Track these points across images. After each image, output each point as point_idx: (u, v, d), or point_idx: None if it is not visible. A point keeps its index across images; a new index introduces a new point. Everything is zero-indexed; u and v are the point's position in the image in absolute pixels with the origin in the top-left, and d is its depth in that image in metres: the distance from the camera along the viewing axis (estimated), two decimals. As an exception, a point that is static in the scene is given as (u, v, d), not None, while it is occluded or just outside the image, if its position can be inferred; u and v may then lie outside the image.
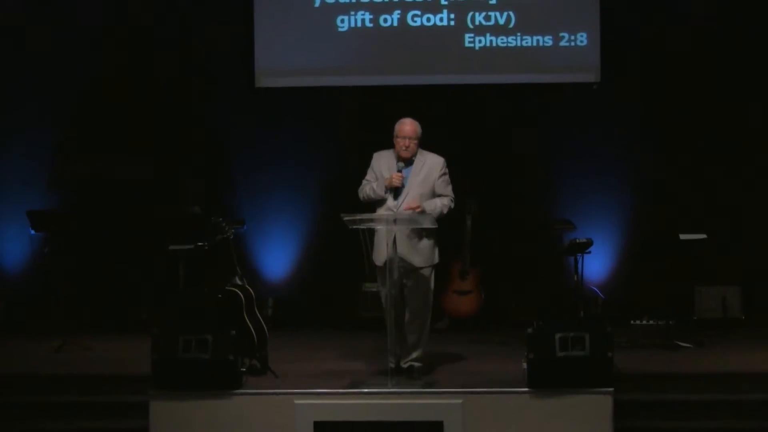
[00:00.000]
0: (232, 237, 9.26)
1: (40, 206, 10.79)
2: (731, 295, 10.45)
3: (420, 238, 8.06)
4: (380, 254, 8.09)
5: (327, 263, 11.06)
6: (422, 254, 8.07)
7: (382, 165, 8.16)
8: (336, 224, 8.16)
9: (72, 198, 11.19)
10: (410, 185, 8.07)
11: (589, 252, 9.67)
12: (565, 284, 10.35)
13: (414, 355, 8.21)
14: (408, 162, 8.10)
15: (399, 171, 8.06)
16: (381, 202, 8.13)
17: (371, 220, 7.87)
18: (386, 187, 8.05)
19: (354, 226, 7.88)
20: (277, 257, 11.24)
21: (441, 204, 8.08)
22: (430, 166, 8.12)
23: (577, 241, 9.60)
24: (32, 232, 10.41)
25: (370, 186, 8.15)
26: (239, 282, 8.97)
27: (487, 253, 10.63)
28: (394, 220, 7.86)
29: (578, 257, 9.60)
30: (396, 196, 8.05)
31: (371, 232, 8.04)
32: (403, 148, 8.07)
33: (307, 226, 11.22)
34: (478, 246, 10.44)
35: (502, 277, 10.84)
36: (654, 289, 10.58)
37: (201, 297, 9.37)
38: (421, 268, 8.09)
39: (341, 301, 10.84)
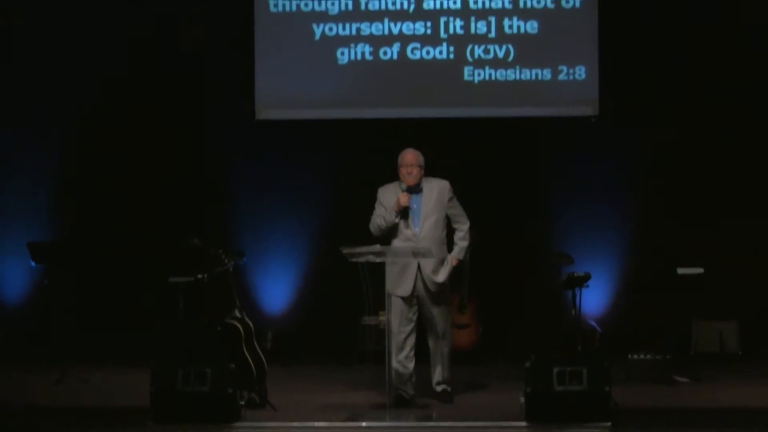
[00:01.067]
0: (231, 269, 9.29)
1: (41, 238, 10.85)
2: (728, 330, 10.50)
3: (439, 263, 8.34)
4: (400, 284, 8.28)
5: (326, 296, 11.07)
6: (442, 278, 8.35)
7: (390, 196, 8.40)
8: (336, 257, 8.21)
9: (72, 230, 11.24)
10: (424, 212, 8.34)
11: (587, 286, 9.69)
12: (564, 318, 10.32)
13: (446, 376, 8.49)
14: (416, 190, 8.33)
15: (404, 191, 8.31)
16: (394, 233, 8.35)
17: (371, 254, 7.94)
18: (395, 211, 8.27)
19: (354, 260, 7.94)
20: (276, 290, 11.27)
21: (465, 244, 8.49)
22: (439, 190, 8.41)
23: (575, 274, 9.60)
24: (32, 263, 10.46)
25: (381, 217, 8.37)
26: (238, 315, 8.99)
27: (485, 286, 10.66)
28: (416, 253, 8.07)
29: (576, 291, 9.62)
30: (407, 223, 8.31)
31: (372, 266, 8.10)
32: (406, 175, 8.33)
33: (307, 258, 11.27)
34: (476, 279, 10.46)
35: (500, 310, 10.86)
36: (652, 323, 10.63)
37: (200, 330, 9.39)
38: (442, 292, 8.36)
39: (340, 335, 10.84)
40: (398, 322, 8.32)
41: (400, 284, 8.30)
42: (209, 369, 7.89)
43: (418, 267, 8.27)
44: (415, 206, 8.33)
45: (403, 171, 8.36)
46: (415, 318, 8.38)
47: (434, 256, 8.18)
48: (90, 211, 11.30)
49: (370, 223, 8.48)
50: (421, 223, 8.33)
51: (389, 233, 8.40)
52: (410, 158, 8.37)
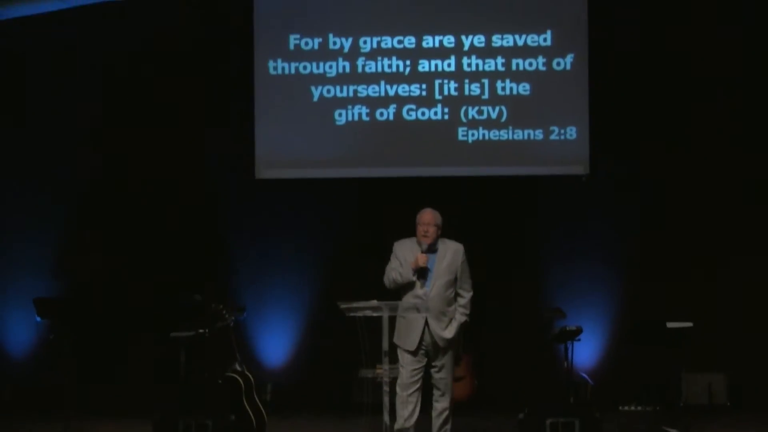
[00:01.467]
0: (232, 324, 9.42)
1: (46, 294, 10.86)
2: (717, 381, 10.62)
3: (447, 320, 8.44)
4: (407, 338, 8.41)
5: (324, 350, 11.11)
6: (449, 334, 8.43)
7: (406, 251, 8.50)
8: (333, 312, 8.30)
9: (77, 286, 11.32)
10: (436, 272, 8.43)
11: (579, 339, 9.82)
12: (556, 370, 10.37)
13: (446, 428, 8.53)
14: (432, 249, 8.45)
15: (423, 252, 8.41)
16: (407, 288, 8.45)
17: (368, 309, 8.01)
18: (413, 270, 8.38)
19: (351, 314, 8.04)
20: (275, 344, 11.32)
21: (466, 312, 8.55)
22: (453, 252, 8.51)
23: (567, 328, 9.74)
24: (38, 319, 10.56)
25: (397, 272, 8.45)
26: (239, 368, 9.11)
27: (479, 340, 10.67)
28: (418, 309, 8.17)
29: (568, 344, 9.76)
30: (423, 282, 8.40)
31: (368, 319, 8.19)
32: (423, 233, 8.44)
33: (305, 313, 11.33)
34: (470, 333, 10.47)
35: (494, 363, 10.91)
36: (642, 375, 10.67)
37: (201, 383, 9.50)
38: (449, 348, 8.45)
39: (338, 387, 10.91)
40: (406, 375, 8.42)
41: (406, 338, 8.42)
42: (210, 421, 8.03)
43: (426, 322, 8.39)
44: (429, 265, 8.43)
45: (420, 229, 8.48)
46: (421, 374, 8.46)
47: (430, 312, 8.30)
48: (94, 268, 11.39)
49: (384, 275, 8.55)
50: (432, 283, 8.43)
51: (403, 288, 8.51)
52: (428, 218, 8.50)
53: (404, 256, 8.49)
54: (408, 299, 8.42)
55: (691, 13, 11.24)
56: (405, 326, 8.42)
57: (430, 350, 8.43)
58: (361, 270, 10.15)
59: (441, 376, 8.48)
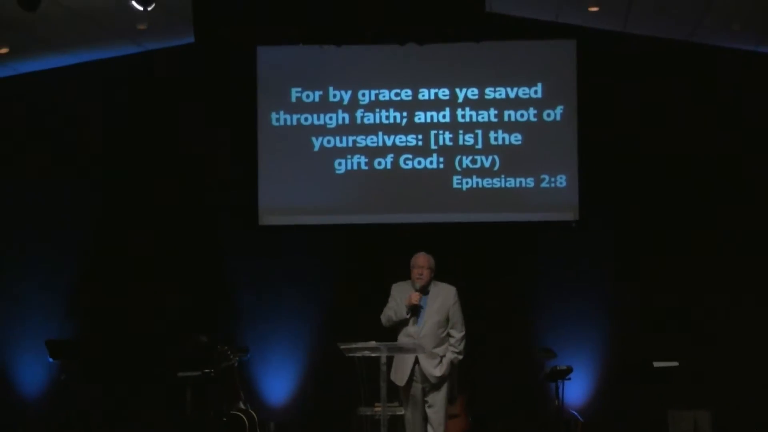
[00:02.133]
0: (236, 364, 9.70)
1: (58, 336, 11.13)
2: (702, 418, 10.68)
3: (438, 359, 8.71)
4: (398, 374, 8.71)
5: (325, 388, 11.28)
6: (439, 372, 8.69)
7: (402, 292, 8.83)
8: (333, 352, 8.61)
9: (87, 329, 11.49)
10: (428, 311, 8.73)
11: (569, 378, 10.12)
12: (547, 408, 10.61)
13: None
14: (425, 291, 8.76)
15: (416, 290, 8.73)
16: (401, 327, 8.76)
17: (366, 349, 8.35)
18: (407, 306, 8.69)
19: (350, 354, 8.37)
20: (278, 383, 11.45)
21: (458, 349, 8.80)
22: (445, 294, 8.82)
23: (558, 368, 10.05)
24: (50, 360, 10.82)
25: (393, 310, 8.78)
26: (243, 406, 9.39)
27: (474, 378, 10.74)
28: (408, 348, 8.50)
29: (559, 383, 10.07)
30: (416, 320, 8.70)
31: (367, 359, 8.54)
32: (417, 276, 8.76)
33: (307, 353, 11.48)
34: (465, 372, 10.34)
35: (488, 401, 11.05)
36: (630, 412, 10.84)
37: (207, 421, 9.75)
38: (439, 385, 8.70)
39: (338, 425, 10.96)
40: (410, 414, 8.73)
41: (399, 374, 8.71)
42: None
43: (416, 360, 8.64)
44: (422, 303, 8.72)
45: (414, 272, 8.78)
46: (422, 410, 8.73)
47: (424, 351, 8.59)
48: (104, 311, 11.55)
49: (382, 313, 8.84)
50: (424, 321, 8.71)
51: (398, 326, 8.81)
52: (422, 261, 8.83)
53: (401, 296, 8.80)
54: (401, 338, 8.72)
55: (683, 65, 11.46)
56: (399, 362, 8.70)
57: (422, 387, 8.69)
58: (360, 312, 10.40)
59: (434, 411, 8.72)
